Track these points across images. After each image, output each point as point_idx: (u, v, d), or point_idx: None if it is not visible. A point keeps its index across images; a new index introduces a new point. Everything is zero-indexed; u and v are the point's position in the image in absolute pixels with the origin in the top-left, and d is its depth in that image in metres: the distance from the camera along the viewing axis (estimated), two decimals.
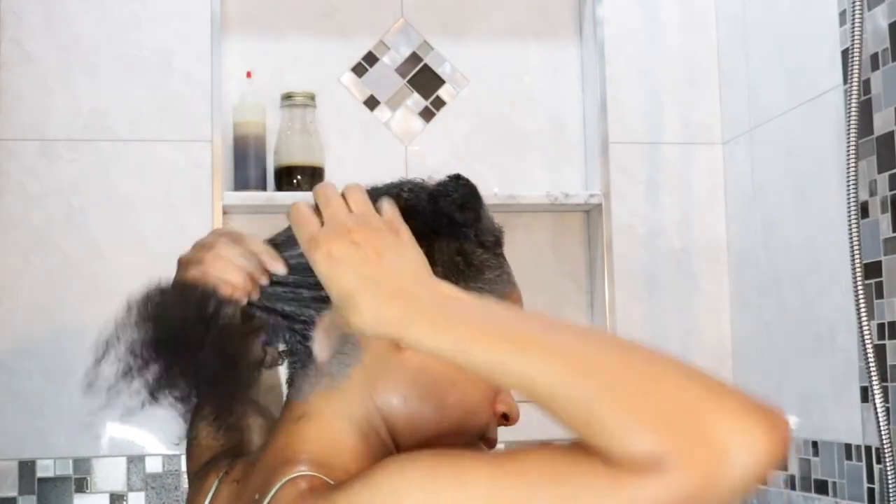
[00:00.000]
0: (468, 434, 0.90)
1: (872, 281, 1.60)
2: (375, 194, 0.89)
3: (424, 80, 2.10)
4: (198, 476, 1.01)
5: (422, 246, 0.86)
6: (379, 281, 0.78)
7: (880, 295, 1.59)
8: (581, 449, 0.71)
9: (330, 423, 0.87)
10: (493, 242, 0.93)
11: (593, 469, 0.70)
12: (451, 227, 0.90)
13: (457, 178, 0.93)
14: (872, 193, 1.61)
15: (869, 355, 1.50)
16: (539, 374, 0.72)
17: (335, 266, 0.79)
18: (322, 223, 0.82)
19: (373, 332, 0.77)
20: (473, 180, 0.96)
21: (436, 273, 0.85)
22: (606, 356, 0.72)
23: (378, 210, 0.85)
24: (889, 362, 1.56)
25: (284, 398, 0.93)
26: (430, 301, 0.77)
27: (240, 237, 0.90)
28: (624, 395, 0.69)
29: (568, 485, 0.70)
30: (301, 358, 0.89)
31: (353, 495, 0.74)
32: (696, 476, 0.66)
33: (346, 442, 0.86)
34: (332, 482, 0.81)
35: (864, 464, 1.65)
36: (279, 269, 0.87)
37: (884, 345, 1.57)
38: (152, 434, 1.92)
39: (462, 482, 0.71)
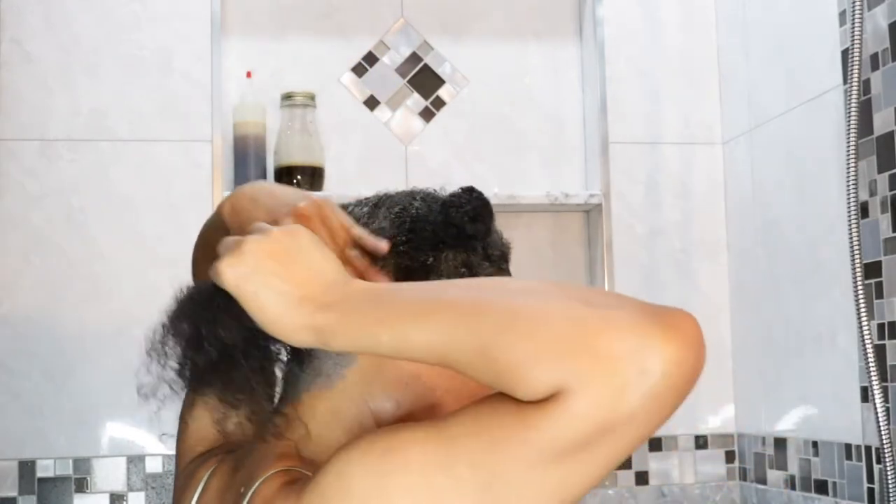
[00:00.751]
0: None
1: (872, 281, 1.60)
2: (389, 202, 0.91)
3: (424, 80, 2.10)
4: (188, 468, 1.00)
5: (428, 255, 0.87)
6: (292, 292, 0.76)
7: (880, 295, 1.59)
8: (503, 396, 0.69)
9: (320, 422, 0.87)
10: (500, 257, 0.94)
11: (507, 413, 0.67)
12: (459, 238, 0.90)
13: (470, 191, 0.93)
14: (872, 193, 1.61)
15: (869, 355, 1.50)
16: (436, 337, 0.70)
17: (246, 286, 0.77)
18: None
19: (295, 342, 0.77)
20: (473, 180, 0.97)
21: (436, 276, 0.86)
22: (493, 301, 0.70)
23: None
24: (889, 362, 1.57)
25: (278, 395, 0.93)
26: (333, 300, 0.75)
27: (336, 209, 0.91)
28: (514, 335, 0.67)
29: (485, 435, 0.68)
30: (298, 356, 0.89)
31: (311, 483, 0.74)
32: (601, 396, 0.64)
33: (333, 441, 0.85)
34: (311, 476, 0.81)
35: (864, 464, 1.65)
36: (383, 247, 0.88)
37: (884, 345, 1.57)
38: (152, 434, 1.93)
39: (401, 453, 0.70)
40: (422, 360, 0.72)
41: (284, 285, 0.76)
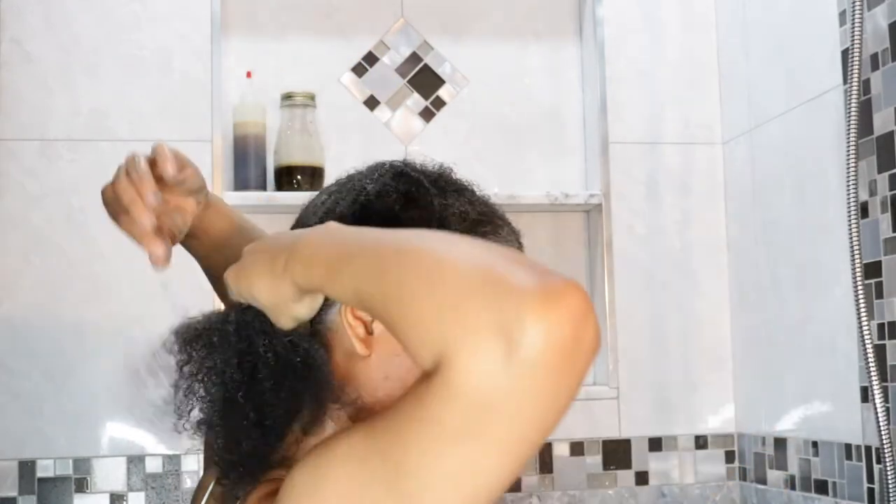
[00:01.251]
0: None
1: (872, 281, 1.60)
2: (348, 187, 0.90)
3: (424, 80, 2.10)
4: (203, 477, 1.01)
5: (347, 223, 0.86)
6: (278, 265, 0.78)
7: (880, 295, 1.59)
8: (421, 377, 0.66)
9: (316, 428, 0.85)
10: (474, 221, 0.91)
11: (412, 393, 0.65)
12: (404, 225, 0.86)
13: (389, 173, 0.91)
14: (872, 193, 1.61)
15: (869, 355, 1.50)
16: (353, 283, 0.70)
17: (240, 278, 0.82)
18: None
19: (295, 317, 0.80)
20: (474, 181, 0.96)
21: None
22: (402, 256, 0.68)
23: None
24: (889, 362, 1.57)
25: None
26: (300, 252, 0.77)
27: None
28: (410, 291, 0.65)
29: (393, 421, 0.66)
30: None
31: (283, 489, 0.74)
32: (470, 367, 0.60)
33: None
34: None
35: (864, 464, 1.65)
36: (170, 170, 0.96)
37: (884, 345, 1.57)
38: (152, 434, 1.92)
39: (332, 448, 0.70)
40: (348, 303, 0.74)
41: (267, 262, 0.79)
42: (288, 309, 0.79)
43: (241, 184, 1.96)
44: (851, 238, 1.53)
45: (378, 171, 0.92)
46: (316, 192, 0.95)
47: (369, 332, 0.84)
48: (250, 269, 0.80)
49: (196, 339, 0.86)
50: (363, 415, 0.82)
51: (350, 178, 0.93)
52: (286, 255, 0.77)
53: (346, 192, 0.90)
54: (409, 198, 0.88)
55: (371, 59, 2.08)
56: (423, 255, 0.66)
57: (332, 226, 0.78)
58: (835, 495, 1.74)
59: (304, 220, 0.91)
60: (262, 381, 0.80)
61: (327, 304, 0.84)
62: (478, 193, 0.96)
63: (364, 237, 0.74)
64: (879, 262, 1.59)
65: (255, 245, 0.83)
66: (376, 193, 0.88)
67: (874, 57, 1.60)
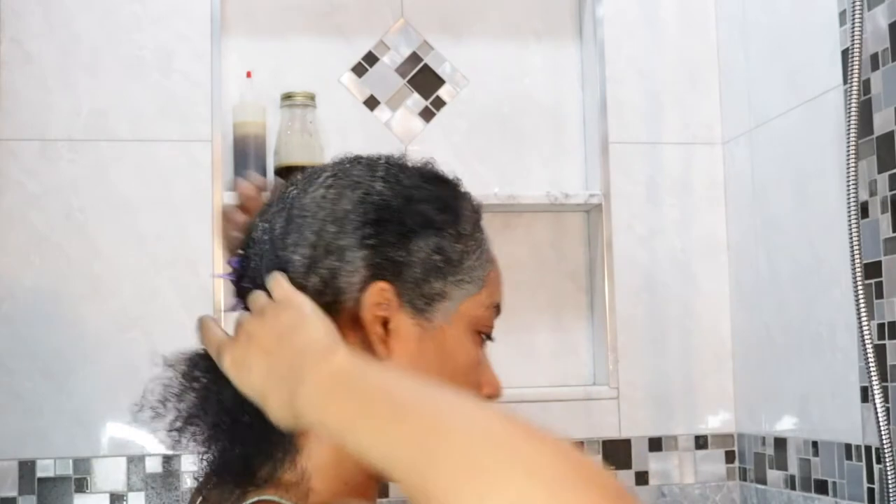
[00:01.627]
0: None
1: (872, 281, 1.60)
2: (348, 180, 0.88)
3: (424, 80, 2.10)
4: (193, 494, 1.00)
5: (399, 250, 0.85)
6: (282, 375, 0.76)
7: (880, 295, 1.59)
8: None
9: (306, 446, 0.86)
10: (472, 228, 0.92)
11: None
12: (428, 226, 0.88)
13: (436, 178, 0.91)
14: (872, 193, 1.61)
15: (869, 355, 1.50)
16: (369, 443, 0.69)
17: (241, 371, 0.80)
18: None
19: (291, 427, 0.77)
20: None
21: (413, 273, 0.85)
22: (440, 432, 0.65)
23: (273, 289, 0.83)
24: (889, 362, 1.56)
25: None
26: (315, 377, 0.74)
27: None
28: (444, 483, 0.62)
29: None
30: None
31: None
32: None
33: (318, 464, 0.85)
34: None
35: (864, 464, 1.65)
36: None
37: (884, 345, 1.57)
38: (152, 434, 1.92)
39: None
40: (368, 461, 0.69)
41: (270, 372, 0.77)
42: (272, 415, 0.77)
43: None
44: (851, 238, 1.53)
45: (381, 167, 0.92)
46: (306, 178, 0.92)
47: (386, 331, 0.85)
48: (251, 367, 0.79)
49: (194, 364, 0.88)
50: None
51: (345, 171, 0.91)
52: (294, 379, 0.75)
53: (347, 187, 0.88)
54: (431, 199, 0.89)
55: (371, 59, 2.08)
56: (468, 436, 0.63)
57: (342, 358, 0.75)
58: (835, 495, 1.74)
59: (302, 213, 0.87)
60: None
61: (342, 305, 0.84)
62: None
63: (388, 387, 0.71)
64: (879, 262, 1.59)
65: (253, 327, 0.81)
66: (396, 194, 0.88)
67: (874, 57, 1.60)
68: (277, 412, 0.77)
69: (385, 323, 0.85)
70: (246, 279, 0.89)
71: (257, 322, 0.81)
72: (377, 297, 0.85)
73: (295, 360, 0.76)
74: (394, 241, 0.86)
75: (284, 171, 1.95)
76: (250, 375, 0.79)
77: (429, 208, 0.88)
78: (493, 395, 0.93)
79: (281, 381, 0.76)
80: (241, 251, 0.92)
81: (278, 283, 0.83)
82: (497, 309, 0.93)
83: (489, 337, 0.92)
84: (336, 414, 0.72)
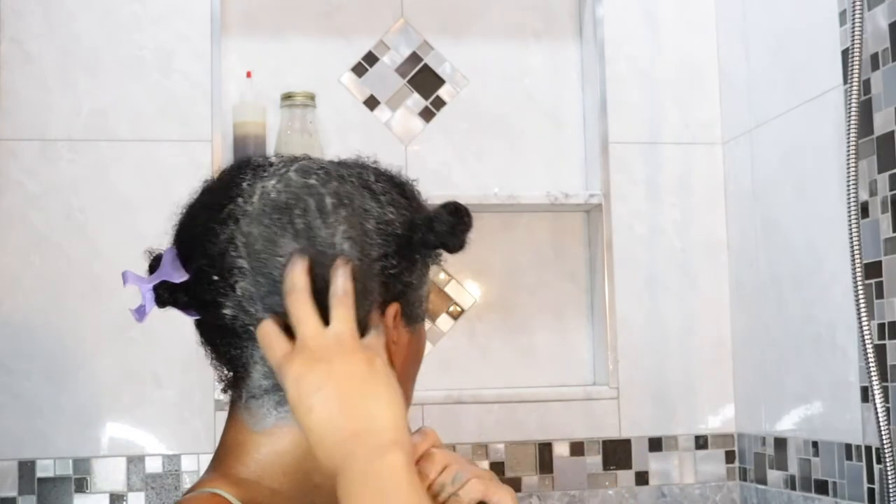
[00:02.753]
0: None
1: (872, 281, 1.60)
2: (355, 205, 0.86)
3: (424, 80, 2.10)
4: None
5: (408, 274, 0.87)
6: (338, 426, 0.78)
7: (880, 295, 1.59)
8: None
9: (274, 441, 0.87)
10: (449, 238, 0.93)
11: None
12: (430, 250, 0.90)
13: (411, 192, 0.93)
14: (872, 193, 1.61)
15: (869, 355, 1.50)
16: None
17: (303, 395, 0.79)
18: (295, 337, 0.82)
19: (326, 461, 0.79)
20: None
21: (416, 292, 0.89)
22: None
23: (364, 320, 0.83)
24: (889, 362, 1.56)
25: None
26: (364, 465, 0.77)
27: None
28: None
29: None
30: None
31: None
32: None
33: (277, 463, 0.86)
34: None
35: (864, 464, 1.65)
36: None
37: (884, 345, 1.57)
38: (152, 434, 1.93)
39: None
40: None
41: (335, 418, 0.79)
42: (316, 450, 0.80)
43: None
44: (851, 238, 1.53)
45: (380, 189, 0.91)
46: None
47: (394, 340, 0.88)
48: (312, 407, 0.79)
49: None
50: None
51: (347, 195, 0.87)
52: (346, 449, 0.78)
53: (359, 216, 0.87)
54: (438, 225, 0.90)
55: (371, 59, 2.08)
56: None
57: (396, 461, 0.78)
58: (835, 495, 1.74)
59: (318, 244, 0.84)
60: None
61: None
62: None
63: None
64: (879, 262, 1.59)
65: (323, 354, 0.80)
66: (404, 221, 0.89)
67: (874, 57, 1.60)
68: (316, 450, 0.79)
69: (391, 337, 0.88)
70: (206, 289, 0.86)
71: (336, 361, 0.80)
72: (390, 319, 0.87)
73: (359, 429, 0.78)
74: (407, 266, 0.88)
75: None
76: (310, 413, 0.79)
77: (432, 235, 0.89)
78: None
79: (335, 438, 0.78)
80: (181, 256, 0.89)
81: (377, 335, 0.84)
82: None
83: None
84: (356, 501, 0.76)
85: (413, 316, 0.90)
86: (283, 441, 0.86)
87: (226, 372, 0.90)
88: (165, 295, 0.88)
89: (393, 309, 0.87)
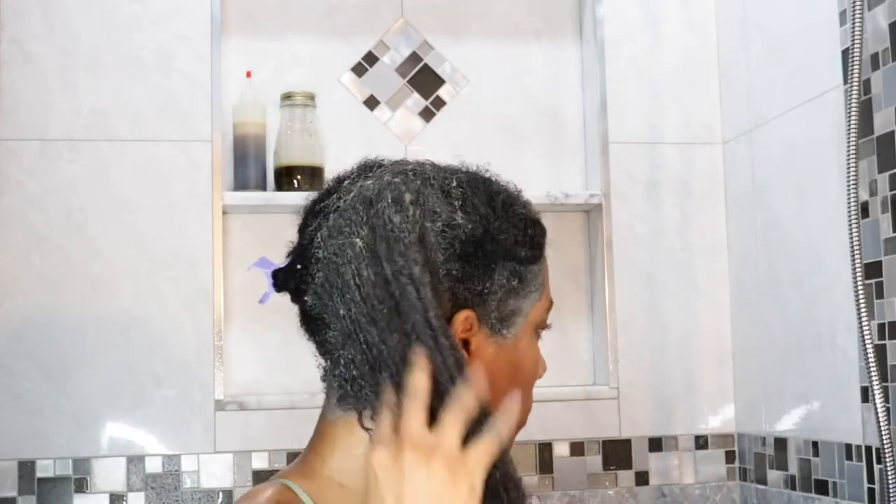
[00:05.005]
0: None
1: (872, 281, 1.60)
2: (426, 208, 0.86)
3: (424, 80, 2.10)
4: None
5: (481, 280, 0.87)
6: None
7: (880, 295, 1.59)
8: None
9: (345, 432, 0.89)
10: (541, 242, 0.94)
11: None
12: (508, 257, 0.90)
13: (504, 199, 0.92)
14: (872, 193, 1.61)
15: (869, 355, 1.50)
16: None
17: (387, 482, 0.78)
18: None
19: None
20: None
21: (493, 300, 0.88)
22: None
23: (474, 429, 0.80)
24: (889, 362, 1.56)
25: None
26: None
27: None
28: None
29: None
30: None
31: None
32: None
33: (346, 458, 0.88)
34: (304, 498, 0.85)
35: (864, 464, 1.65)
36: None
37: (884, 345, 1.57)
38: (152, 434, 1.93)
39: None
40: None
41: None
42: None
43: (240, 184, 1.96)
44: (851, 238, 1.53)
45: (456, 193, 0.90)
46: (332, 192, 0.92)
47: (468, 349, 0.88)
48: (391, 495, 0.78)
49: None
50: None
51: (424, 196, 0.88)
52: None
53: (427, 218, 0.87)
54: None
55: (371, 59, 2.08)
56: None
57: None
58: (835, 495, 1.74)
59: (389, 247, 0.85)
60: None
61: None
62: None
63: None
64: (879, 262, 1.59)
65: (415, 458, 0.78)
66: (476, 226, 0.89)
67: (874, 57, 1.60)
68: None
69: (467, 344, 0.88)
70: (312, 293, 0.89)
71: (420, 469, 0.77)
72: (461, 325, 0.87)
73: None
74: (478, 273, 0.88)
75: (284, 171, 1.95)
76: (390, 495, 0.77)
77: (507, 239, 0.89)
78: (543, 373, 0.99)
79: None
80: (297, 260, 0.91)
81: (487, 448, 0.79)
82: (552, 304, 0.97)
83: (546, 327, 0.97)
84: None
85: (496, 326, 0.90)
86: (352, 435, 0.88)
87: (323, 363, 0.92)
88: (280, 280, 0.91)
89: (462, 315, 0.87)
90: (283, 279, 0.90)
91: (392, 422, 0.79)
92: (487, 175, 0.95)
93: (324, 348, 0.90)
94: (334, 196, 0.90)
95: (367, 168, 0.93)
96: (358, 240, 0.84)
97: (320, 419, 0.92)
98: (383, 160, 0.94)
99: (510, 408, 0.81)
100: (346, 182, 0.92)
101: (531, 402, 0.98)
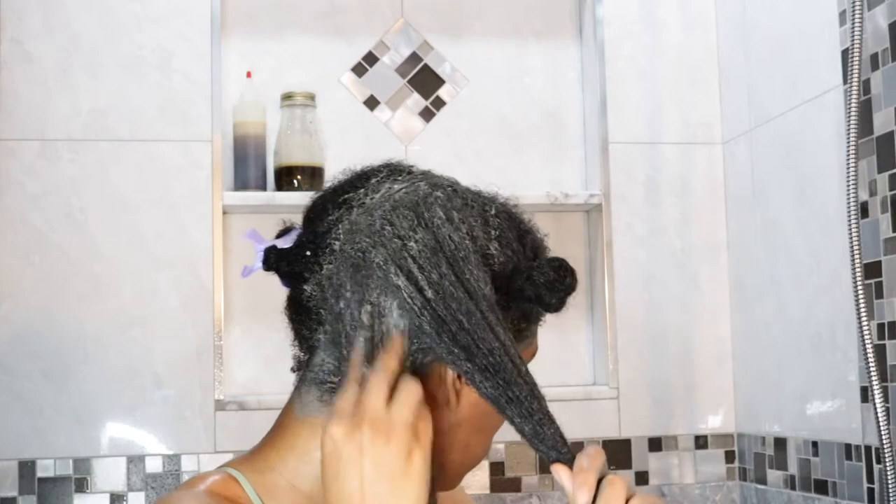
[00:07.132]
0: None
1: (872, 281, 1.60)
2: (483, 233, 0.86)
3: (424, 80, 2.10)
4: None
5: (498, 304, 0.84)
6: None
7: (880, 295, 1.59)
8: None
9: (311, 431, 0.87)
10: (566, 300, 0.92)
11: None
12: (524, 300, 0.88)
13: (533, 242, 0.91)
14: (872, 193, 1.61)
15: (869, 355, 1.50)
16: None
17: (339, 457, 0.79)
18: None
19: None
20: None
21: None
22: None
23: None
24: (889, 362, 1.57)
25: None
26: None
27: None
28: None
29: None
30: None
31: None
32: None
33: (306, 460, 0.87)
34: (250, 493, 0.84)
35: (864, 464, 1.65)
36: None
37: (884, 345, 1.57)
38: (152, 434, 1.93)
39: None
40: None
41: (354, 499, 0.78)
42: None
43: (240, 184, 1.96)
44: (851, 238, 1.53)
45: (494, 223, 0.89)
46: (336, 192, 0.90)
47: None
48: (342, 476, 0.79)
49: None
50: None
51: (461, 214, 0.86)
52: None
53: (416, 226, 0.84)
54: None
55: (371, 59, 2.08)
56: None
57: None
58: (835, 495, 1.74)
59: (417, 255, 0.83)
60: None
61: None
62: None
63: None
64: (879, 262, 1.59)
65: (369, 429, 0.79)
66: (506, 262, 0.88)
67: (874, 57, 1.60)
68: None
69: (460, 376, 0.85)
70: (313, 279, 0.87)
71: (377, 444, 0.79)
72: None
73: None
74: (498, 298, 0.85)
75: (284, 171, 1.95)
76: (335, 480, 0.79)
77: (529, 286, 0.87)
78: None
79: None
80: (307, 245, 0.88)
81: (409, 397, 0.80)
82: (536, 350, 0.94)
83: None
84: None
85: None
86: (315, 438, 0.85)
87: (299, 353, 0.90)
88: (272, 259, 0.87)
89: None
90: (283, 261, 0.87)
91: (355, 397, 0.80)
92: (510, 204, 0.93)
93: (307, 342, 0.88)
94: (361, 191, 0.87)
95: (396, 171, 0.90)
96: (413, 243, 0.82)
97: (285, 412, 0.89)
98: (412, 166, 0.92)
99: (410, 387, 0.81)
100: (373, 179, 0.88)
101: (490, 446, 0.95)
